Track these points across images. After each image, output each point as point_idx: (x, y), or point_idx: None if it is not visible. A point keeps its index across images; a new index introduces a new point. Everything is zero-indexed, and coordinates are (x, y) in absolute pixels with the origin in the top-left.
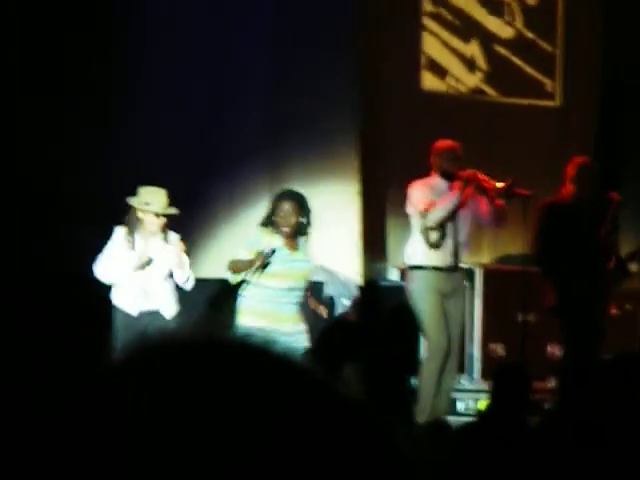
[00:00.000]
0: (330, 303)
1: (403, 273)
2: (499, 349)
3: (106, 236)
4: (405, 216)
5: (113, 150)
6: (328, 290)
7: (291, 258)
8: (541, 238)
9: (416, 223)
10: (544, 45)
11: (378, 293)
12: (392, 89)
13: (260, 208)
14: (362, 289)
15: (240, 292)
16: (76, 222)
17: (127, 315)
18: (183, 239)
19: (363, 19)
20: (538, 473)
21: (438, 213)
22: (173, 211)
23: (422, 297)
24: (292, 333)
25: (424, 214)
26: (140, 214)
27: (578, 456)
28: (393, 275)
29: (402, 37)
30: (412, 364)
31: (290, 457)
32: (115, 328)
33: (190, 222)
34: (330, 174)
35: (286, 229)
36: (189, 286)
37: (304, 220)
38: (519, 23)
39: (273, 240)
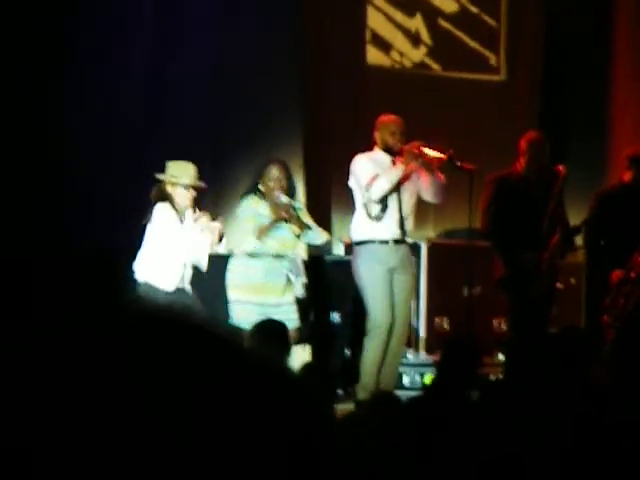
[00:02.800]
0: None
1: (349, 247)
2: (445, 323)
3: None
4: (350, 190)
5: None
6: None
7: (280, 225)
8: (490, 211)
9: (359, 197)
10: (488, 19)
11: (323, 267)
12: (337, 64)
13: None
14: (306, 263)
15: (228, 267)
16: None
17: (159, 292)
18: None
19: None
20: (481, 446)
21: (382, 185)
22: (202, 184)
23: (366, 271)
24: (280, 304)
25: (368, 187)
26: (170, 188)
27: (520, 428)
28: (339, 249)
29: (347, 12)
30: (357, 340)
31: (217, 424)
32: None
33: None
34: (274, 147)
35: (279, 193)
36: (204, 266)
37: (290, 184)
38: None
39: (260, 207)
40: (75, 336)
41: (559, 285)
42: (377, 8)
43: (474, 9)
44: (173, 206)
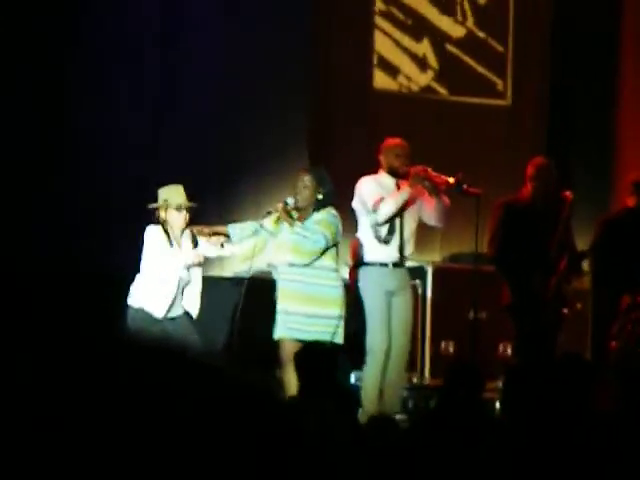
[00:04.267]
0: None
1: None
2: (450, 347)
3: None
4: (354, 213)
5: None
6: None
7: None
8: (498, 237)
9: (364, 219)
10: (495, 44)
11: None
12: (343, 88)
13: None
14: None
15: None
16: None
17: (148, 316)
18: None
19: (314, 18)
20: (483, 471)
21: (389, 208)
22: (192, 204)
23: (364, 294)
24: (319, 317)
25: (374, 209)
26: (163, 214)
27: (520, 454)
28: (343, 272)
29: (353, 36)
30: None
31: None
32: (134, 327)
33: None
34: (281, 172)
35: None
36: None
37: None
38: (470, 22)
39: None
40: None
41: (565, 311)
42: (384, 32)
43: (481, 34)
44: (166, 230)
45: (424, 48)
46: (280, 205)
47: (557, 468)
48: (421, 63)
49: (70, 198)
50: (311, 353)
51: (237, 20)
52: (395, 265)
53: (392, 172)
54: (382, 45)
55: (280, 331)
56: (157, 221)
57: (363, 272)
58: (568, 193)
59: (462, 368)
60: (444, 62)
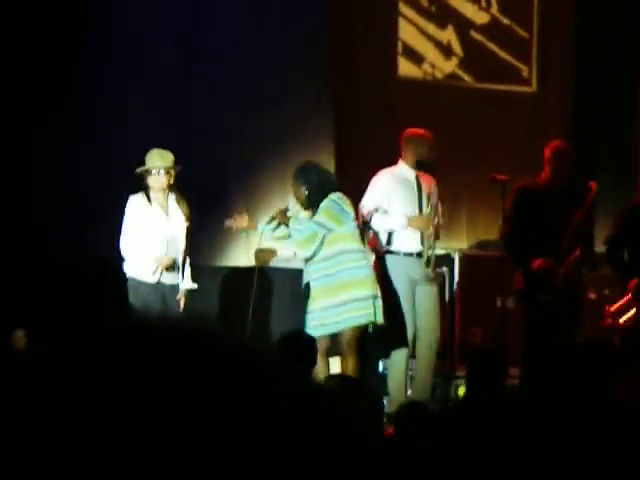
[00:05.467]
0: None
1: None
2: (478, 335)
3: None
4: None
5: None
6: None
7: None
8: (510, 220)
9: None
10: (519, 31)
11: None
12: (368, 76)
13: (235, 196)
14: None
15: (307, 277)
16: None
17: (146, 286)
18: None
19: (338, 6)
20: (511, 457)
21: (378, 225)
22: (175, 167)
23: (389, 282)
24: (351, 301)
25: (368, 217)
26: (146, 180)
27: (543, 442)
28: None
29: (377, 24)
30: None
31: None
32: (135, 300)
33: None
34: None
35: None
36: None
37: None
38: (494, 9)
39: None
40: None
41: (592, 296)
42: (409, 20)
43: (506, 20)
44: (148, 195)
45: (448, 35)
46: (278, 209)
47: (581, 460)
48: (446, 50)
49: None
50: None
51: (257, 12)
52: (418, 255)
53: (417, 163)
54: (406, 33)
55: (317, 331)
56: (142, 188)
57: (388, 261)
58: (593, 183)
59: (485, 355)
60: (469, 49)
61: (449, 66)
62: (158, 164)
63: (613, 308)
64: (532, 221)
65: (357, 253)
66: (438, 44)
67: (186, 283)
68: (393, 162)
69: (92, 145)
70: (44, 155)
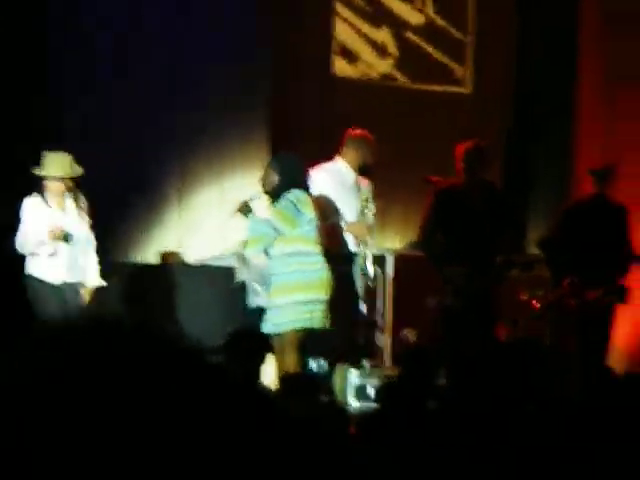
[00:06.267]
0: (242, 288)
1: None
2: (411, 335)
3: None
4: None
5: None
6: (242, 275)
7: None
8: (426, 223)
9: None
10: (455, 32)
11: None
12: (304, 75)
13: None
14: None
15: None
16: None
17: (46, 285)
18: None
19: (274, 6)
20: (438, 456)
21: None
22: (72, 174)
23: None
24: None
25: None
26: (43, 181)
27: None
28: None
29: (313, 23)
30: None
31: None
32: (35, 299)
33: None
34: (242, 160)
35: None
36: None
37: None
38: (430, 10)
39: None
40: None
41: (524, 297)
42: (344, 19)
43: (441, 22)
44: (43, 196)
45: (383, 35)
46: (243, 201)
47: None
48: (380, 50)
49: None
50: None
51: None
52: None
53: (358, 167)
54: (342, 32)
55: (277, 327)
56: (38, 190)
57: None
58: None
59: (416, 354)
60: (403, 49)
61: (384, 66)
62: (52, 173)
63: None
64: (446, 224)
65: (313, 256)
66: (373, 44)
67: (93, 280)
68: (328, 160)
69: None
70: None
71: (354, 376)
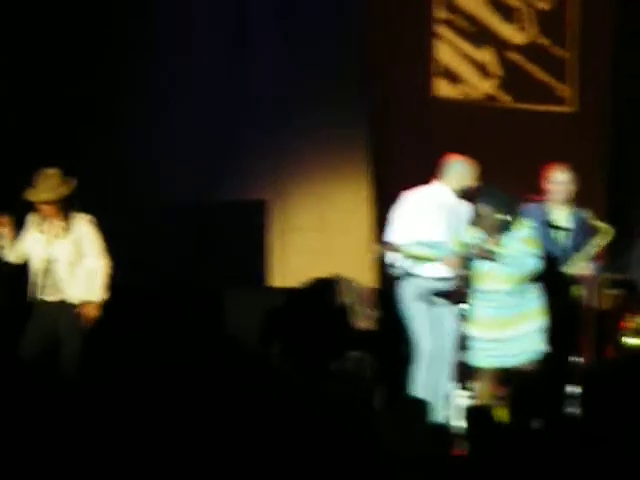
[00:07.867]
0: (344, 310)
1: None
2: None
3: None
4: None
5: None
6: (344, 298)
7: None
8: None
9: None
10: (557, 50)
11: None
12: (405, 96)
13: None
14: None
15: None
16: None
17: (35, 303)
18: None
19: (375, 28)
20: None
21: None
22: (51, 198)
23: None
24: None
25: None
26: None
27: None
28: None
29: (415, 44)
30: None
31: None
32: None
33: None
34: (341, 181)
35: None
36: (101, 272)
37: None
38: (532, 29)
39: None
40: None
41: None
42: (445, 40)
43: (543, 40)
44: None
45: (485, 55)
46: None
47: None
48: (483, 70)
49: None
50: None
51: (295, 35)
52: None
53: (459, 192)
54: (443, 53)
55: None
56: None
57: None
58: None
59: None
60: (506, 69)
61: (486, 86)
62: (33, 198)
63: None
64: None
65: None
66: (475, 64)
67: (93, 295)
68: (426, 182)
69: None
70: None
71: None
